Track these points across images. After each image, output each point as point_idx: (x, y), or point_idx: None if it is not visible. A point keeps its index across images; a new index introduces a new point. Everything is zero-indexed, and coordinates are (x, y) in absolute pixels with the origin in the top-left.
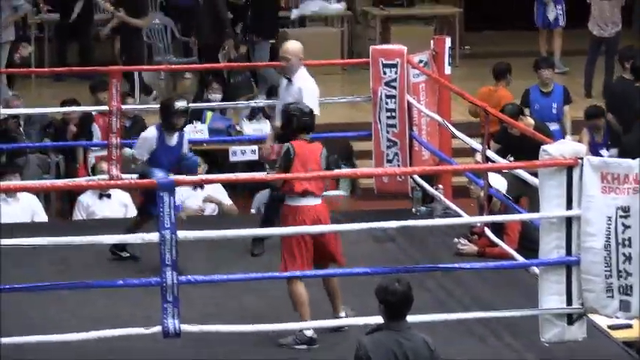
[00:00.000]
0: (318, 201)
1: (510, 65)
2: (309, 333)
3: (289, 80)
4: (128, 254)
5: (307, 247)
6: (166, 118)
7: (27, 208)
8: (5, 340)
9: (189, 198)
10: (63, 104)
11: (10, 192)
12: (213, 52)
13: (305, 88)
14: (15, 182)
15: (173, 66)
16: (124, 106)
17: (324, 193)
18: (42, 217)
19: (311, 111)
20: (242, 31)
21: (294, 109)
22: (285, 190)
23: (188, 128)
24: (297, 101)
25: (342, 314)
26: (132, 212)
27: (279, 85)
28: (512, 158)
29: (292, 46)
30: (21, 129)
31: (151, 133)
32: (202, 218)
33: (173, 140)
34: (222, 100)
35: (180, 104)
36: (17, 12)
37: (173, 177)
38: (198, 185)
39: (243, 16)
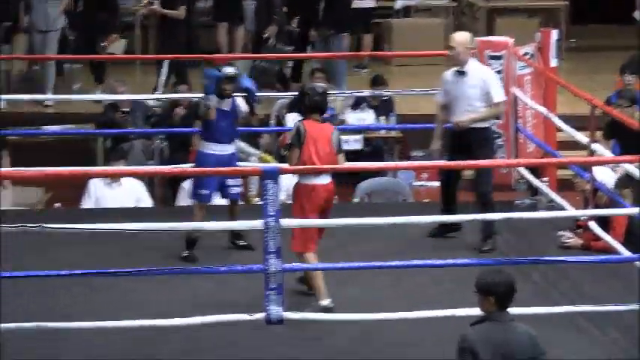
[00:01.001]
0: (329, 179)
1: None
2: (325, 303)
3: (460, 73)
4: (245, 243)
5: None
6: (217, 85)
7: (131, 193)
8: (110, 323)
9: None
10: (175, 85)
11: (115, 177)
12: (260, 39)
13: (488, 78)
14: (120, 168)
15: (264, 55)
16: None
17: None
18: (146, 202)
19: (324, 91)
20: (299, 23)
21: (308, 88)
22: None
23: (291, 117)
24: (484, 92)
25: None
26: None
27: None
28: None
29: (459, 35)
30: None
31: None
32: None
33: (227, 106)
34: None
35: (229, 70)
36: None
37: (278, 165)
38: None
39: (313, 8)
